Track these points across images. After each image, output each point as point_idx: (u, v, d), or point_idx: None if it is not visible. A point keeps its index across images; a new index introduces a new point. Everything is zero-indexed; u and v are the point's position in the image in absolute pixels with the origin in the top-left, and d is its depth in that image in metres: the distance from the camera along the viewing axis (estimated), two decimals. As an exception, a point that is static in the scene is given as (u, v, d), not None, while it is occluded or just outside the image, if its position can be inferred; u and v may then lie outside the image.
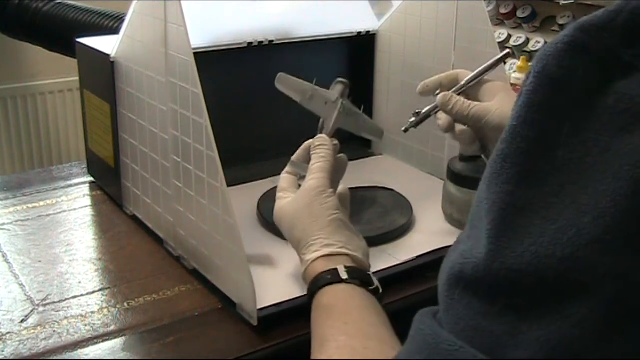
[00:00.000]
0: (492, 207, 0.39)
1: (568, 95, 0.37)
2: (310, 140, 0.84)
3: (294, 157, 0.84)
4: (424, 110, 0.90)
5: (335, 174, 0.82)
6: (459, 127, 0.87)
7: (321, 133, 0.86)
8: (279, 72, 1.15)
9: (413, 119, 0.91)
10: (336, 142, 0.85)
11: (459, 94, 0.87)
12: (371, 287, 0.69)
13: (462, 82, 0.88)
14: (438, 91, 0.89)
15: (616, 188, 0.34)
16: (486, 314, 0.38)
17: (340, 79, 0.91)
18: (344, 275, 0.68)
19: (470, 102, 0.85)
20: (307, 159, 0.82)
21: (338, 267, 0.69)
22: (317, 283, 0.69)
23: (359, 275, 0.69)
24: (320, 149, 0.81)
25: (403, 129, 0.93)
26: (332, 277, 0.68)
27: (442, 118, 0.87)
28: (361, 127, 0.92)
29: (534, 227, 0.37)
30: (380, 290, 0.70)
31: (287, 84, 0.90)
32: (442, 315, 0.41)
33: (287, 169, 0.83)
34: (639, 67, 0.36)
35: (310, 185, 0.77)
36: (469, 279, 0.39)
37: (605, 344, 0.34)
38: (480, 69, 0.88)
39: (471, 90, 0.88)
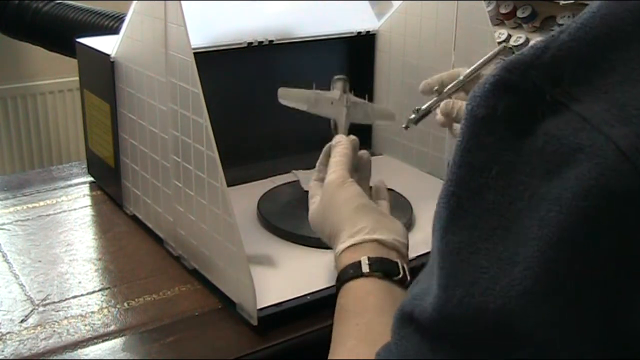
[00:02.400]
0: (436, 252, 0.39)
1: (496, 136, 0.36)
2: (330, 143, 0.84)
3: (318, 163, 0.84)
4: (423, 107, 0.90)
5: (362, 172, 0.83)
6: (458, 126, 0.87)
7: (335, 132, 0.87)
8: (279, 72, 1.16)
9: (413, 115, 0.91)
10: (354, 137, 0.84)
11: (458, 90, 0.88)
12: (396, 278, 0.66)
13: (461, 78, 0.88)
14: (436, 87, 0.89)
15: (543, 235, 0.34)
16: (434, 356, 0.38)
17: (338, 77, 0.91)
18: (365, 268, 0.66)
19: None
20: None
21: (362, 258, 0.66)
22: (341, 279, 0.67)
23: (383, 267, 0.66)
24: (338, 146, 0.81)
25: (403, 125, 0.93)
26: (354, 272, 0.66)
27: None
28: (371, 115, 0.92)
29: (466, 275, 0.36)
30: (409, 279, 0.67)
31: (290, 97, 0.90)
32: (392, 349, 0.42)
33: (313, 176, 0.84)
34: (567, 105, 0.35)
35: (329, 180, 0.77)
36: (417, 321, 0.40)
37: None
38: (477, 64, 0.88)
39: (469, 85, 0.88)
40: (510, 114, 0.36)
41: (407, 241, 0.73)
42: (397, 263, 0.67)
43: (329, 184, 0.77)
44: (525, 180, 0.35)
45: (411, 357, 0.40)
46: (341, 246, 0.70)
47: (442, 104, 0.87)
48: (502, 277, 0.35)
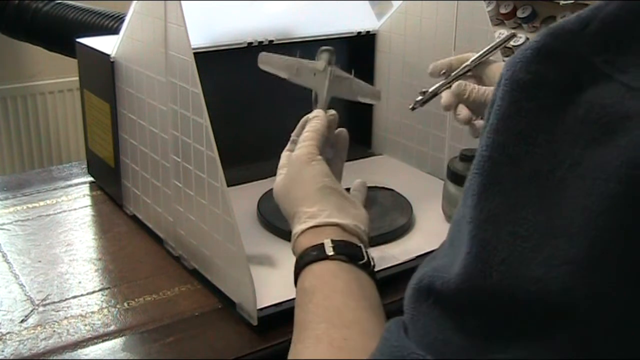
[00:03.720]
0: (467, 220, 0.38)
1: (537, 102, 0.36)
2: (307, 115, 0.81)
3: (293, 134, 0.81)
4: (431, 89, 0.90)
5: (338, 150, 0.80)
6: (480, 122, 0.87)
7: (316, 105, 0.83)
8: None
9: (420, 97, 0.91)
10: (333, 112, 0.81)
11: (465, 73, 0.88)
12: (361, 262, 0.63)
13: (469, 62, 0.89)
14: (444, 70, 0.89)
15: (588, 204, 0.33)
16: (457, 330, 0.37)
17: (325, 47, 0.87)
18: (329, 251, 0.63)
19: (484, 87, 0.85)
20: None
21: (324, 241, 0.64)
22: (302, 261, 0.64)
23: (347, 250, 0.63)
24: (313, 120, 0.78)
25: (410, 107, 0.92)
26: (317, 254, 0.63)
27: (462, 112, 0.86)
28: (355, 91, 0.88)
29: (503, 243, 0.35)
30: (373, 264, 0.64)
31: (271, 63, 0.87)
32: (408, 325, 0.40)
33: (287, 146, 0.81)
34: (611, 75, 0.34)
35: (296, 154, 0.74)
36: (438, 294, 0.38)
37: None
38: (485, 49, 0.89)
39: (477, 70, 0.89)
40: (553, 81, 0.36)
41: (368, 229, 0.70)
42: (360, 247, 0.65)
43: (296, 158, 0.74)
44: (567, 149, 0.34)
45: (431, 334, 0.38)
46: (301, 227, 0.68)
47: (454, 84, 0.87)
48: (543, 246, 0.34)
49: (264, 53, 0.86)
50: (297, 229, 0.68)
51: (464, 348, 0.36)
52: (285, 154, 0.80)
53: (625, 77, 0.34)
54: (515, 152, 0.36)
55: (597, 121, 0.34)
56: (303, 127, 0.80)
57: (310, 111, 0.82)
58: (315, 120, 0.78)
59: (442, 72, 0.90)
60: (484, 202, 0.36)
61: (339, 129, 0.81)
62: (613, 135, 0.33)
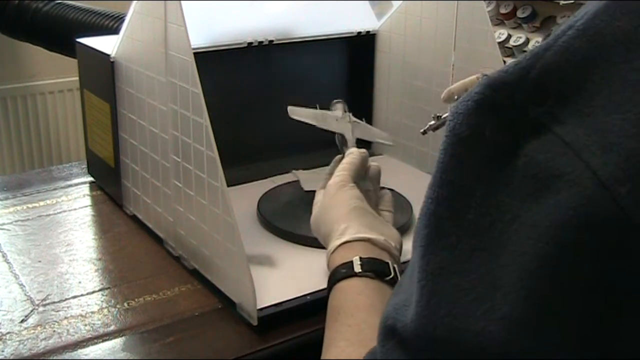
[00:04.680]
0: (417, 268, 0.38)
1: (478, 156, 0.36)
2: (340, 155, 0.89)
3: (327, 171, 0.88)
4: (444, 115, 0.90)
5: (371, 183, 0.85)
6: None
7: (341, 146, 0.92)
8: (279, 72, 1.16)
9: (433, 122, 0.91)
10: (364, 150, 0.88)
11: None
12: (388, 278, 0.66)
13: None
14: (456, 97, 0.89)
15: (522, 262, 0.33)
16: None
17: (336, 100, 0.98)
18: (357, 268, 0.66)
19: None
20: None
21: (353, 258, 0.67)
22: (333, 278, 0.67)
23: (375, 267, 0.66)
24: (349, 156, 0.84)
25: (421, 130, 0.93)
26: (346, 271, 0.66)
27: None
28: (371, 134, 0.99)
29: (447, 296, 0.36)
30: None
31: (300, 114, 0.96)
32: (378, 357, 0.41)
33: (320, 184, 0.85)
34: (549, 126, 0.34)
35: (330, 182, 0.79)
36: (400, 336, 0.39)
37: None
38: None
39: None
40: (493, 134, 0.35)
41: (401, 246, 0.73)
42: (388, 264, 0.68)
43: (330, 187, 0.79)
44: (507, 202, 0.34)
45: None
46: (333, 243, 0.71)
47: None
48: (483, 300, 0.34)
49: (290, 106, 0.95)
50: (330, 245, 0.72)
51: None
52: (319, 191, 0.84)
53: (562, 130, 0.33)
54: (458, 205, 0.36)
55: (534, 176, 0.34)
56: (337, 164, 0.86)
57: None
58: (351, 156, 0.84)
59: (456, 98, 0.89)
60: (430, 255, 0.37)
61: (373, 164, 0.88)
62: (545, 193, 0.33)
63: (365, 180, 0.85)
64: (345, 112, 0.95)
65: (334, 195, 0.77)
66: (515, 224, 0.34)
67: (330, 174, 0.85)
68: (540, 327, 0.33)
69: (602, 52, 0.34)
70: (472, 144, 0.36)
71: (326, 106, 0.98)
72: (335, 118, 0.95)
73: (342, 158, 0.87)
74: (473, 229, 0.36)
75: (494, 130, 0.35)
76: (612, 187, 0.31)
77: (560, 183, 0.32)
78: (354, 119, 0.96)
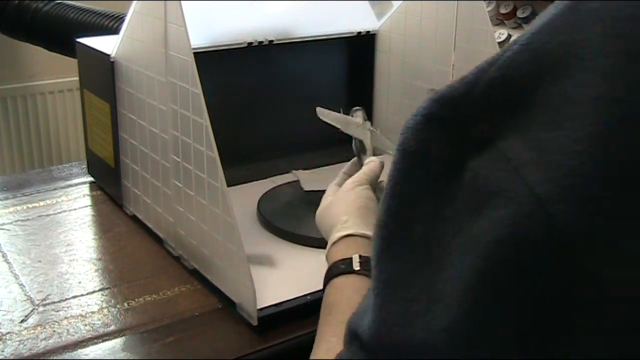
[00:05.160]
0: (372, 276, 0.39)
1: (425, 170, 0.36)
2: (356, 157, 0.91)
3: (342, 171, 0.89)
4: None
5: (382, 193, 0.85)
6: None
7: (357, 153, 0.93)
8: (279, 72, 1.16)
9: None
10: (383, 161, 0.88)
11: None
12: None
13: None
14: None
15: (461, 276, 0.34)
16: None
17: (357, 107, 1.00)
18: (356, 265, 0.66)
19: None
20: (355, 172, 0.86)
21: (353, 256, 0.67)
22: (330, 273, 0.67)
23: None
24: (369, 163, 0.85)
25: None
26: (344, 267, 0.66)
27: None
28: (386, 144, 1.00)
29: (395, 306, 0.37)
30: None
31: (327, 116, 0.98)
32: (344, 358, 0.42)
33: (334, 180, 0.86)
34: (493, 141, 0.34)
35: (346, 182, 0.80)
36: (360, 340, 0.40)
37: None
38: None
39: None
40: (440, 149, 0.36)
41: None
42: None
43: (345, 185, 0.79)
44: (453, 216, 0.35)
45: None
46: (335, 235, 0.71)
47: None
48: (426, 311, 0.35)
49: (319, 108, 0.98)
50: (333, 236, 0.71)
51: None
52: (332, 186, 0.84)
53: (505, 145, 0.34)
54: (406, 218, 0.37)
55: (477, 191, 0.34)
56: (353, 165, 0.87)
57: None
58: (372, 164, 0.85)
59: None
60: (382, 265, 0.38)
61: (381, 180, 0.88)
62: (486, 208, 0.33)
63: (377, 189, 0.86)
64: (365, 119, 0.98)
65: (345, 192, 0.78)
66: (459, 238, 0.34)
67: (347, 173, 0.86)
68: (478, 340, 0.34)
69: (543, 67, 0.34)
70: (419, 159, 0.37)
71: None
72: (356, 124, 0.98)
73: (359, 161, 0.89)
74: (420, 241, 0.36)
75: (441, 145, 0.36)
76: (548, 205, 0.31)
77: (498, 200, 0.33)
78: (372, 127, 0.99)
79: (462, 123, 0.35)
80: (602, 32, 0.33)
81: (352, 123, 0.98)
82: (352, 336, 0.41)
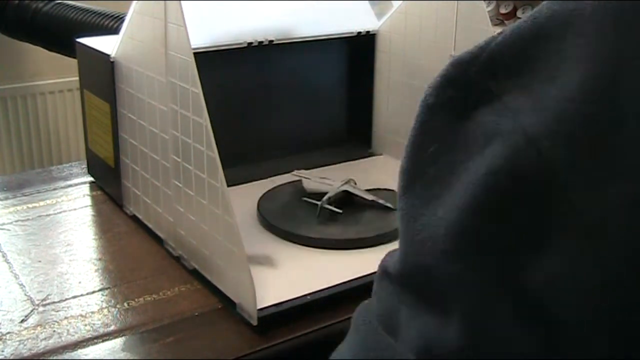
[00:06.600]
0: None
1: (439, 120, 0.42)
2: None
3: None
4: None
5: None
6: None
7: None
8: (279, 72, 1.16)
9: None
10: None
11: None
12: None
13: None
14: None
15: (461, 203, 0.38)
16: (401, 302, 0.43)
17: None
18: None
19: None
20: None
21: None
22: None
23: None
24: None
25: None
26: None
27: None
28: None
29: (408, 235, 0.42)
30: None
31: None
32: (373, 295, 0.47)
33: None
34: (499, 95, 0.40)
35: None
36: (390, 275, 0.45)
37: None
38: None
39: None
40: (452, 103, 0.42)
41: None
42: None
43: None
44: (460, 158, 0.40)
45: (384, 302, 0.45)
46: None
47: None
48: (432, 237, 0.40)
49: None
50: None
51: (395, 318, 0.43)
52: None
53: (508, 97, 0.39)
54: (421, 161, 0.43)
55: (482, 135, 0.40)
56: None
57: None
58: None
59: None
60: (401, 203, 0.44)
61: None
62: (486, 149, 0.39)
63: None
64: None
65: None
66: (463, 176, 0.40)
67: None
68: (470, 262, 0.38)
69: (542, 30, 0.40)
70: (435, 111, 0.43)
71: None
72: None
73: None
74: (433, 180, 0.42)
75: (453, 99, 0.43)
76: (539, 143, 0.36)
77: (498, 138, 0.38)
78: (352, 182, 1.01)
79: (471, 82, 0.42)
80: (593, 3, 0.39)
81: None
82: (382, 272, 0.46)
